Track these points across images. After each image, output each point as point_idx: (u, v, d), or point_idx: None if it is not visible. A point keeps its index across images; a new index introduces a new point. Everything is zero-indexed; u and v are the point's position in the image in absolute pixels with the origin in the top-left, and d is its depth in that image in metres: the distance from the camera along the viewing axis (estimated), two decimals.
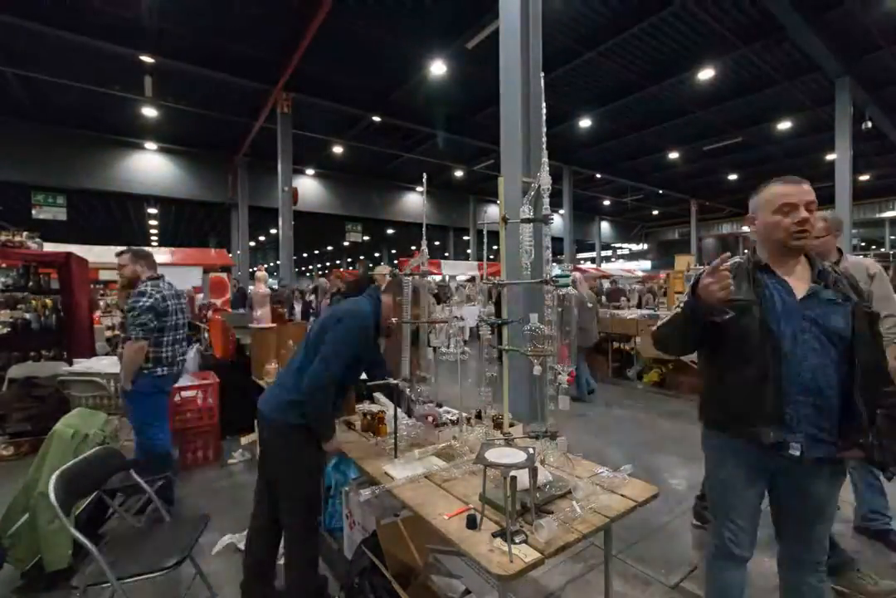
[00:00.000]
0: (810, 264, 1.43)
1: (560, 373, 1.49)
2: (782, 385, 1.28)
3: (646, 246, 31.10)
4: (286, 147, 11.04)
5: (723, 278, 1.20)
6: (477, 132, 12.65)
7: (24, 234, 4.72)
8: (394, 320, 1.94)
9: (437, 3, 7.26)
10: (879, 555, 2.30)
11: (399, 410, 1.89)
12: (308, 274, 43.06)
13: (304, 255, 36.88)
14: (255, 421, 2.03)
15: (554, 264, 1.80)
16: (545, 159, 1.61)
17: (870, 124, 10.60)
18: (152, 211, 17.70)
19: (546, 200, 1.56)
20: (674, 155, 15.32)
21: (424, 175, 2.07)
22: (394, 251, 31.51)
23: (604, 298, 9.40)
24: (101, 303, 9.57)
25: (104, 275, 10.96)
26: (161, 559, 1.68)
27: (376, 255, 35.17)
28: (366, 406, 2.45)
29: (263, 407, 1.88)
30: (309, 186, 16.11)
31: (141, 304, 2.64)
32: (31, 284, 4.75)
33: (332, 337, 1.78)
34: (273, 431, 1.85)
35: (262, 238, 24.96)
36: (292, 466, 1.82)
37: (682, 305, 1.38)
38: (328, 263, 42.21)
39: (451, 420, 2.06)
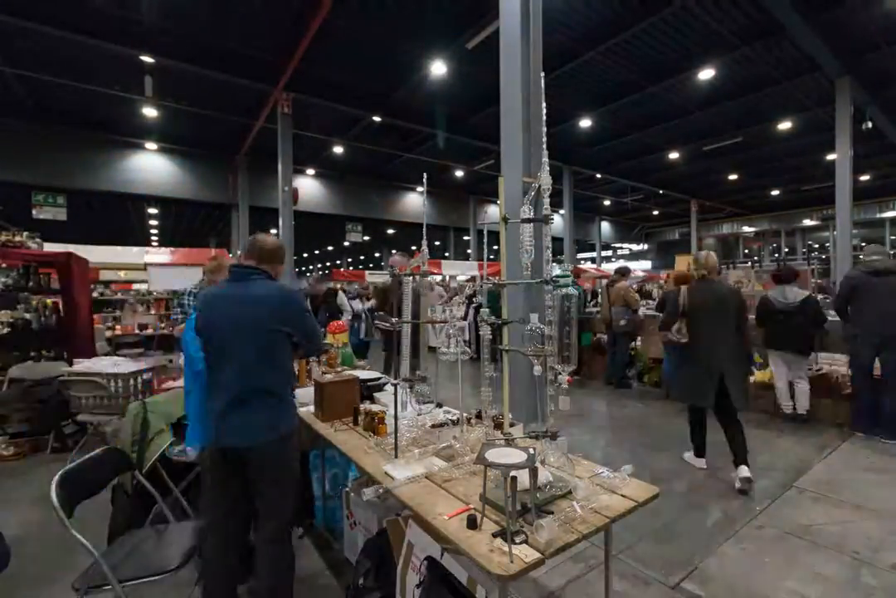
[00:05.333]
0: None
1: (560, 373, 1.49)
2: None
3: (646, 246, 31.09)
4: (286, 147, 11.03)
5: None
6: (477, 132, 12.63)
7: (24, 234, 4.73)
8: (394, 321, 1.95)
9: (437, 3, 7.26)
10: None
11: (399, 409, 1.89)
12: (308, 274, 43.03)
13: (305, 255, 36.86)
14: (215, 460, 1.77)
15: (554, 264, 1.80)
16: (545, 159, 1.61)
17: (870, 124, 10.59)
18: (152, 211, 17.69)
19: (546, 200, 1.56)
20: (674, 155, 15.30)
21: (424, 175, 2.06)
22: (394, 251, 31.45)
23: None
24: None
25: (104, 275, 10.95)
26: (164, 562, 1.68)
27: (376, 255, 35.16)
28: (366, 406, 2.45)
29: (237, 441, 1.70)
30: (309, 186, 16.11)
31: None
32: (31, 284, 4.76)
33: (303, 323, 1.85)
34: (261, 454, 1.72)
35: None
36: (287, 474, 1.79)
37: None
38: (328, 263, 42.19)
39: (451, 420, 2.06)
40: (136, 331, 8.06)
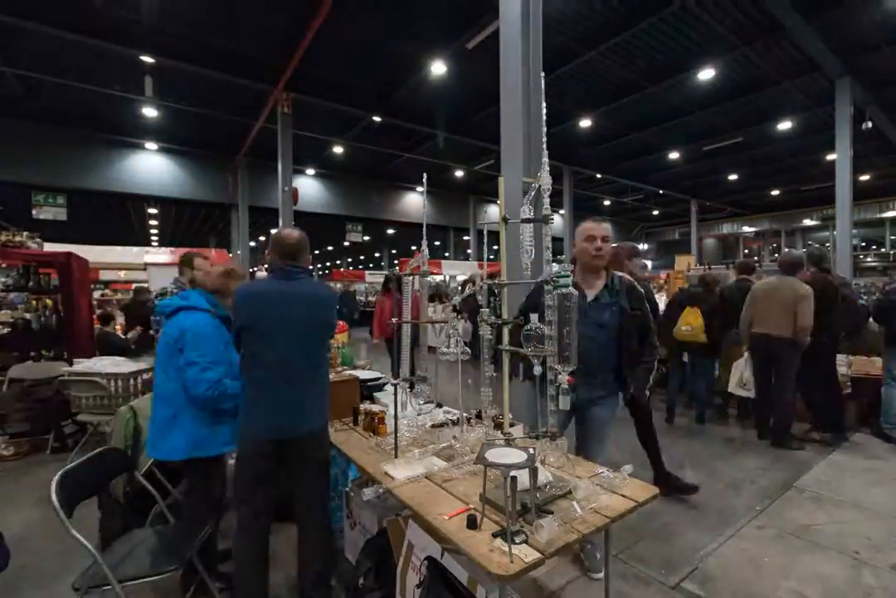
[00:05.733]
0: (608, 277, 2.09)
1: (560, 373, 1.49)
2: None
3: (646, 246, 31.07)
4: (286, 147, 11.03)
5: None
6: (477, 132, 12.62)
7: (24, 234, 4.73)
8: (394, 320, 1.97)
9: (437, 3, 7.26)
10: None
11: (399, 409, 1.89)
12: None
13: None
14: (261, 451, 1.81)
15: (554, 264, 1.80)
16: (545, 159, 1.61)
17: (870, 124, 10.59)
18: (152, 211, 17.68)
19: (546, 200, 1.56)
20: (674, 155, 15.30)
21: (424, 175, 2.06)
22: (394, 251, 31.47)
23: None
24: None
25: (104, 275, 10.97)
26: (164, 562, 1.68)
27: (376, 255, 35.18)
28: (366, 406, 2.45)
29: (295, 432, 1.79)
30: (309, 186, 16.10)
31: None
32: (31, 284, 4.75)
33: (335, 320, 2.01)
34: (312, 441, 1.85)
35: (262, 238, 24.94)
36: (328, 460, 1.95)
37: None
38: (328, 263, 42.20)
39: (451, 420, 2.06)
40: None
